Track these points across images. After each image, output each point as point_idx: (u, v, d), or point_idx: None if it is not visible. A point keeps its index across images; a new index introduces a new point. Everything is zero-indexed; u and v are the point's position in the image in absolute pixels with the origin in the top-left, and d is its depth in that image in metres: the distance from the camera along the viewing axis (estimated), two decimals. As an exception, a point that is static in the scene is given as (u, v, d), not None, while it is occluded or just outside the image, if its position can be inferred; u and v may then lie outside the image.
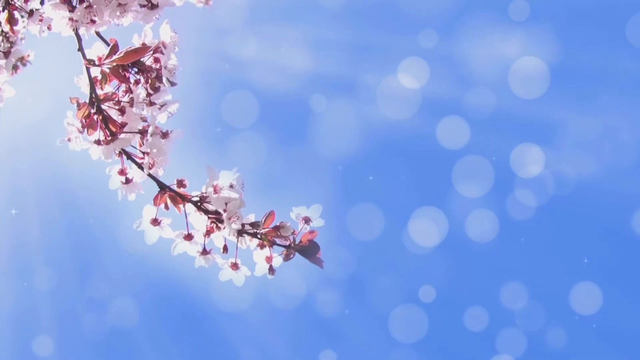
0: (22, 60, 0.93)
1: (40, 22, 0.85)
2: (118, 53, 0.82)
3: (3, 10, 0.84)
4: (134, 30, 0.85)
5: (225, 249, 0.80)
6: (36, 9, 0.85)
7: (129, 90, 0.83)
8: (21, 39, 0.93)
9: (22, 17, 0.84)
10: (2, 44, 0.83)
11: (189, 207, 0.81)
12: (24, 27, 0.85)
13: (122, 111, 0.82)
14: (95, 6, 0.81)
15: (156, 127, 0.82)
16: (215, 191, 0.79)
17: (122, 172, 0.82)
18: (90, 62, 0.81)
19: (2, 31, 0.82)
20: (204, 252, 0.80)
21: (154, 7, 0.81)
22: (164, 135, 0.83)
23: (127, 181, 0.82)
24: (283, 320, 2.54)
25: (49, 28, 0.87)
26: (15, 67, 0.86)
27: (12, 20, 0.84)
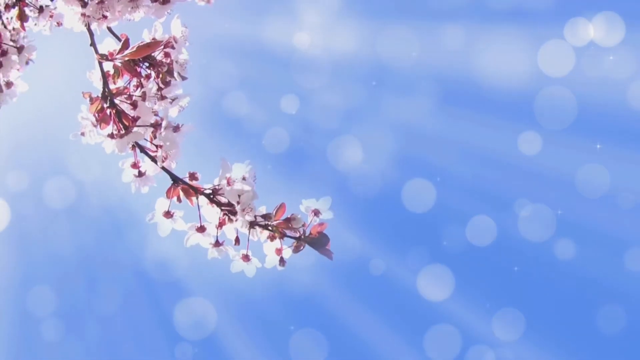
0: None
1: (50, 19, 0.86)
2: (130, 48, 0.83)
3: (14, 7, 0.85)
4: (143, 26, 0.86)
5: (237, 240, 0.82)
6: (46, 5, 0.86)
7: (140, 85, 0.84)
8: (23, 37, 0.93)
9: (31, 12, 0.85)
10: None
11: (202, 199, 0.82)
12: (35, 24, 0.86)
13: (134, 105, 0.83)
14: (107, 2, 0.82)
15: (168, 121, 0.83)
16: (229, 183, 0.80)
17: (135, 165, 0.83)
18: (102, 57, 0.82)
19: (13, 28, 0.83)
20: (217, 244, 0.81)
21: (165, 2, 0.82)
22: (175, 129, 0.84)
23: (140, 174, 0.82)
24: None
25: (58, 24, 0.88)
26: (26, 62, 0.86)
27: (22, 17, 0.84)
